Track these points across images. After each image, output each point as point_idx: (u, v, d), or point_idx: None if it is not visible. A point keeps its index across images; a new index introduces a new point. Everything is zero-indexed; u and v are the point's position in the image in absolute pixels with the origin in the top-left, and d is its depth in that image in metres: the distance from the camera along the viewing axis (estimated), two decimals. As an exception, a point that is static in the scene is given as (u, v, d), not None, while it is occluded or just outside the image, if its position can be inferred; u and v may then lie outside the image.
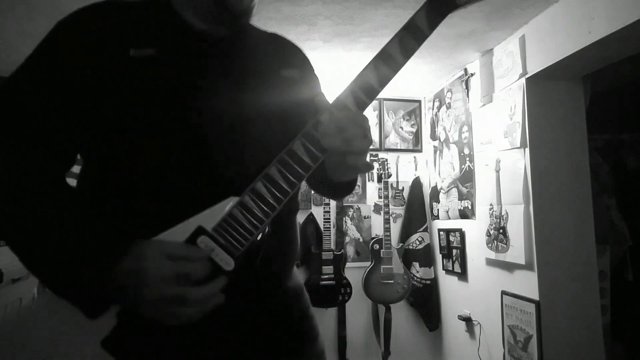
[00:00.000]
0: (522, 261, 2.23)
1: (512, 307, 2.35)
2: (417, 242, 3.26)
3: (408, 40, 0.75)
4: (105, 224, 0.69)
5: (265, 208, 0.70)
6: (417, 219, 3.32)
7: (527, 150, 2.25)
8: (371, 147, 3.68)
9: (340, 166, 0.76)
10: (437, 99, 3.28)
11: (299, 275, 0.97)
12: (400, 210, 3.43)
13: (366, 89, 0.73)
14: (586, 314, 2.20)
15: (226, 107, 0.78)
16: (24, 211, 0.68)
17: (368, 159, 0.82)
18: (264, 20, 2.18)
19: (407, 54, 0.74)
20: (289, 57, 0.93)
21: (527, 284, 2.24)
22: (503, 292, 2.43)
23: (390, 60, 0.73)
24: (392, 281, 3.06)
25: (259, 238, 0.72)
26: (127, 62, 0.73)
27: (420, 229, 3.28)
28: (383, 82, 0.74)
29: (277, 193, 0.70)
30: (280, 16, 2.17)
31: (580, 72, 2.23)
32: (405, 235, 3.34)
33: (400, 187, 3.45)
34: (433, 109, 3.34)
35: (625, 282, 2.95)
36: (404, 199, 3.44)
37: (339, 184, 0.84)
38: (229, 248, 0.69)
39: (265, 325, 0.83)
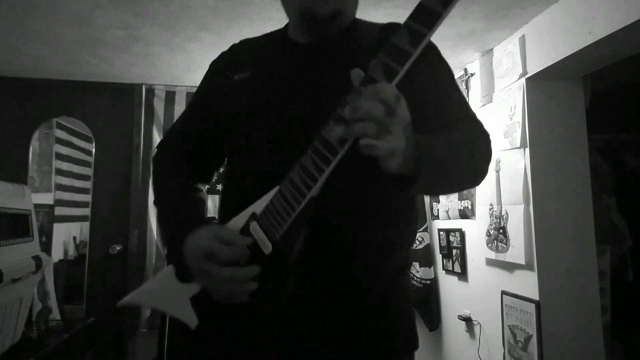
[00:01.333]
0: (522, 261, 2.23)
1: (512, 307, 2.35)
2: (417, 242, 3.26)
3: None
4: (223, 210, 0.91)
5: (296, 194, 0.71)
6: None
7: (527, 150, 2.25)
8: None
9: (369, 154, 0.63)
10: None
11: (399, 285, 0.88)
12: (400, 210, 3.42)
13: (397, 53, 0.63)
14: (586, 314, 2.20)
15: (298, 112, 0.82)
16: (164, 204, 0.97)
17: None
18: (264, 20, 2.18)
19: (447, 3, 0.61)
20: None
21: (527, 284, 2.24)
22: (503, 292, 2.43)
23: (425, 12, 0.62)
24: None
25: (303, 224, 0.72)
26: (232, 83, 0.91)
27: (420, 229, 3.28)
28: (417, 42, 0.63)
29: (307, 179, 0.70)
30: (281, 16, 2.15)
31: (580, 72, 2.23)
32: (405, 235, 3.34)
33: (400, 187, 3.44)
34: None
35: (625, 282, 2.95)
36: (404, 199, 3.44)
37: (393, 177, 0.66)
38: (269, 233, 0.74)
39: (332, 326, 0.79)
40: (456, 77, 2.97)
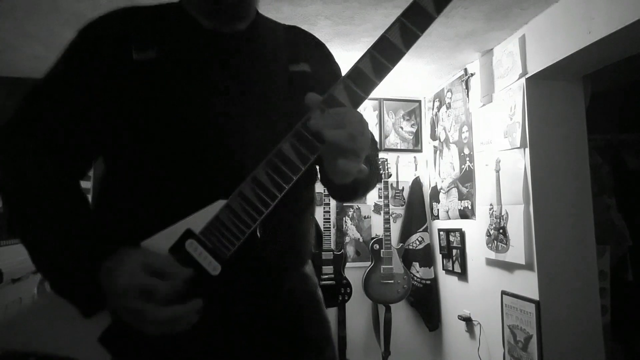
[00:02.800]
0: (522, 261, 2.23)
1: (512, 307, 2.35)
2: (417, 242, 3.26)
3: (411, 25, 0.67)
4: (107, 225, 0.73)
5: (252, 212, 0.67)
6: (417, 219, 3.32)
7: (527, 150, 2.25)
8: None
9: (331, 169, 0.67)
10: (437, 99, 3.28)
11: (312, 278, 0.91)
12: (400, 210, 3.43)
13: (362, 82, 0.67)
14: (586, 314, 2.20)
15: (225, 106, 0.76)
16: (33, 211, 0.72)
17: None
18: (264, 20, 2.18)
19: (410, 40, 0.67)
20: (301, 50, 0.87)
21: (527, 284, 2.24)
22: (503, 292, 2.43)
23: (389, 48, 0.67)
24: (392, 281, 3.06)
25: (257, 238, 0.70)
26: (132, 65, 0.75)
27: (420, 229, 3.28)
28: (382, 74, 0.67)
29: (264, 197, 0.67)
30: (281, 16, 2.16)
31: (580, 72, 2.23)
32: (405, 235, 3.34)
33: (400, 187, 3.45)
34: (433, 109, 3.34)
35: (625, 282, 2.95)
36: (404, 199, 3.44)
37: (340, 187, 0.76)
38: (217, 252, 0.67)
39: (261, 330, 0.78)
40: (456, 77, 2.98)
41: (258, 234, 0.69)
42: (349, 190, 0.80)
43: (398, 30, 0.67)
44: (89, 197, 0.79)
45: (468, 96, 2.84)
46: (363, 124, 0.65)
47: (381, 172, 3.20)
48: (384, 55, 0.67)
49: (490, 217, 2.51)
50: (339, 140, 0.63)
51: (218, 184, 0.70)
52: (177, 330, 0.64)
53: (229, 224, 0.67)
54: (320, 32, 2.34)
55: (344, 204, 3.29)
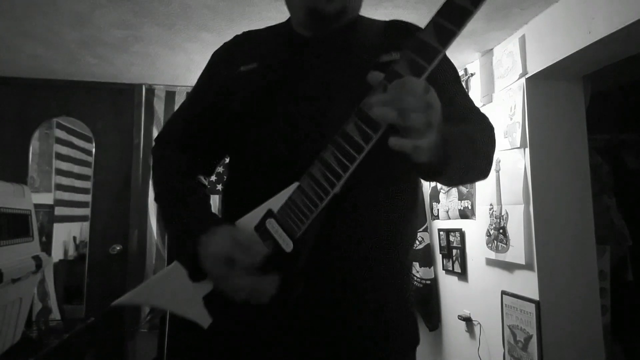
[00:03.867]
0: (522, 261, 2.23)
1: (512, 307, 2.35)
2: (417, 242, 3.26)
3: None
4: (225, 205, 0.92)
5: (319, 191, 0.69)
6: (417, 219, 3.31)
7: (527, 150, 2.25)
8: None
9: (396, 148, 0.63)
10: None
11: (404, 272, 0.90)
12: (400, 210, 3.42)
13: (425, 51, 0.62)
14: (586, 314, 2.20)
15: (309, 103, 0.83)
16: (166, 199, 0.93)
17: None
18: (264, 20, 2.18)
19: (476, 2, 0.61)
20: (396, 39, 0.85)
21: (527, 284, 2.24)
22: (503, 292, 2.43)
23: (455, 10, 0.61)
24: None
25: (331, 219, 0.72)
26: (237, 76, 0.90)
27: (420, 229, 3.28)
28: (446, 40, 0.62)
29: (330, 176, 0.68)
30: (281, 16, 2.15)
31: (580, 72, 2.23)
32: (405, 235, 3.34)
33: (400, 187, 3.44)
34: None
35: (625, 282, 2.95)
36: (404, 199, 3.44)
37: (422, 167, 0.69)
38: (290, 230, 0.72)
39: (336, 318, 0.80)
40: (456, 77, 2.97)
41: (333, 212, 0.71)
42: (431, 171, 0.71)
43: None
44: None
45: (468, 96, 2.84)
46: (422, 97, 0.60)
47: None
48: (448, 18, 0.61)
49: (490, 217, 2.51)
50: (385, 117, 0.61)
51: (301, 170, 0.73)
52: (256, 300, 0.73)
53: (299, 203, 0.71)
54: (320, 32, 2.34)
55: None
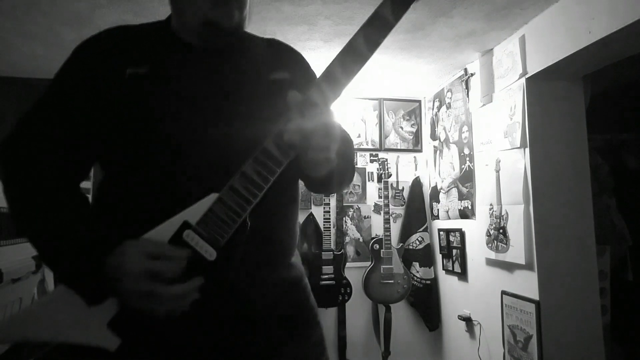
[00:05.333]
0: (522, 261, 2.23)
1: (512, 307, 2.35)
2: (417, 242, 3.26)
3: (372, 33, 0.76)
4: (105, 224, 0.80)
5: (242, 202, 0.75)
6: (417, 219, 3.32)
7: (527, 150, 2.25)
8: (371, 147, 3.61)
9: (305, 161, 0.76)
10: (437, 99, 3.28)
11: (299, 266, 0.99)
12: (400, 210, 3.43)
13: (333, 83, 0.76)
14: (586, 314, 2.20)
15: (212, 116, 0.84)
16: (38, 212, 0.80)
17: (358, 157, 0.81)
18: (264, 20, 2.18)
19: (372, 46, 0.77)
20: (281, 60, 0.97)
21: (527, 284, 2.24)
22: (503, 292, 2.43)
23: (355, 53, 0.76)
24: (392, 281, 3.06)
25: (245, 229, 0.77)
26: (124, 81, 0.83)
27: (420, 229, 3.28)
28: (348, 76, 0.76)
29: (252, 188, 0.75)
30: (281, 16, 2.16)
31: (580, 72, 2.23)
32: (405, 235, 3.34)
33: (400, 187, 3.45)
34: (433, 109, 3.34)
35: (625, 282, 2.95)
36: (404, 199, 3.44)
37: (315, 179, 0.83)
38: (212, 240, 0.75)
39: (254, 314, 0.86)
40: (456, 77, 2.98)
41: (248, 222, 0.77)
42: (322, 182, 0.86)
43: (362, 36, 0.76)
44: (89, 197, 0.87)
45: (468, 96, 2.84)
46: (328, 123, 0.74)
47: (381, 172, 3.20)
48: (349, 58, 0.76)
49: (490, 217, 2.51)
50: (301, 142, 0.73)
51: (209, 181, 0.77)
52: (181, 307, 0.73)
53: (221, 214, 0.75)
54: (320, 32, 2.34)
55: (344, 204, 3.29)
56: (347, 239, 3.30)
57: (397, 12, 0.77)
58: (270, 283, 0.89)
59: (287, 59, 0.99)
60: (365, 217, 3.37)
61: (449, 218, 3.05)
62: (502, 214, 2.41)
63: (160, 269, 0.71)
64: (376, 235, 3.30)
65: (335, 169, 0.80)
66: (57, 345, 0.76)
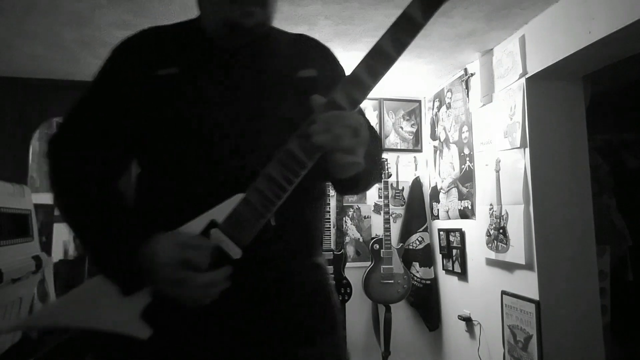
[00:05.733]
0: (522, 261, 2.23)
1: (512, 307, 2.35)
2: (417, 242, 3.26)
3: (401, 34, 0.75)
4: (139, 218, 0.85)
5: (266, 203, 0.76)
6: (417, 219, 3.32)
7: (527, 150, 2.25)
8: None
9: (333, 164, 0.75)
10: (437, 99, 3.28)
11: (323, 268, 0.97)
12: (400, 210, 3.43)
13: (359, 86, 0.75)
14: (586, 314, 2.20)
15: (237, 114, 0.85)
16: (79, 207, 0.87)
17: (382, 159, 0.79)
18: (264, 20, 2.18)
19: (400, 48, 0.75)
20: (309, 56, 0.95)
21: (527, 284, 2.24)
22: (503, 292, 2.43)
23: (382, 55, 0.75)
24: (392, 281, 3.06)
25: (270, 229, 0.78)
26: (155, 80, 0.87)
27: (420, 229, 3.28)
28: (375, 79, 0.75)
29: (276, 189, 0.75)
30: (281, 16, 2.16)
31: (580, 72, 2.23)
32: (405, 235, 3.34)
33: (400, 187, 3.45)
34: (433, 109, 3.34)
35: (625, 282, 2.95)
36: (404, 199, 3.44)
37: (341, 181, 0.82)
38: (237, 239, 0.76)
39: (276, 312, 0.86)
40: (456, 77, 2.98)
41: (272, 222, 0.78)
42: (349, 184, 0.86)
43: (389, 38, 0.75)
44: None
45: (468, 96, 2.84)
46: (353, 126, 0.72)
47: (383, 169, 3.20)
48: (376, 61, 0.75)
49: (490, 217, 2.51)
50: (325, 143, 0.72)
51: (236, 181, 0.78)
52: (210, 296, 0.75)
53: (247, 214, 0.76)
54: (320, 32, 2.34)
55: (344, 204, 3.29)
56: (347, 239, 3.30)
57: (427, 13, 0.75)
58: (295, 282, 0.89)
59: (315, 55, 0.97)
60: (365, 217, 3.37)
61: (449, 218, 3.05)
62: (502, 214, 2.41)
63: (191, 257, 0.74)
64: (376, 235, 3.29)
65: (362, 170, 0.79)
66: (91, 332, 0.80)
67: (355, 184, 0.88)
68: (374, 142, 0.90)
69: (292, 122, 0.78)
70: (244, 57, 0.90)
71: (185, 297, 0.75)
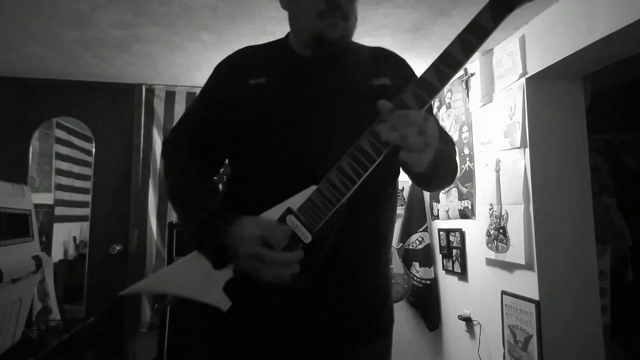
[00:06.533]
0: (522, 261, 2.23)
1: (512, 307, 2.35)
2: (417, 242, 3.26)
3: (471, 39, 0.84)
4: (229, 206, 0.97)
5: (336, 193, 0.85)
6: (417, 219, 3.32)
7: (527, 150, 2.25)
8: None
9: (401, 160, 0.81)
10: (437, 99, 3.28)
11: (388, 277, 1.07)
12: (400, 210, 3.43)
13: (427, 87, 0.83)
14: (586, 314, 2.20)
15: (315, 118, 0.97)
16: (183, 197, 1.03)
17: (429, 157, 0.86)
18: (264, 20, 2.18)
19: (469, 53, 0.83)
20: (383, 66, 1.06)
21: (527, 284, 2.24)
22: (503, 292, 2.43)
23: (451, 59, 0.83)
24: (392, 281, 3.06)
25: (340, 217, 0.88)
26: (248, 89, 1.01)
27: (420, 229, 3.28)
28: (444, 81, 0.83)
29: (346, 181, 0.85)
30: (281, 16, 2.16)
31: (580, 72, 2.23)
32: (405, 235, 3.34)
33: (400, 187, 3.45)
34: (433, 108, 3.34)
35: (625, 282, 2.95)
36: (404, 199, 3.44)
37: (415, 175, 0.92)
38: (309, 225, 0.86)
39: (341, 311, 0.96)
40: (456, 77, 2.97)
41: (343, 210, 0.87)
42: (423, 179, 0.97)
43: (458, 43, 0.83)
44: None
45: (468, 96, 2.84)
46: (421, 124, 0.78)
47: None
48: (447, 65, 0.83)
49: (490, 217, 2.51)
50: (393, 139, 0.79)
51: (311, 174, 0.89)
52: (283, 275, 0.85)
53: (318, 202, 0.86)
54: (320, 32, 2.34)
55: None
56: (347, 239, 3.30)
57: (497, 19, 0.85)
58: (359, 272, 0.98)
59: (390, 65, 1.07)
60: (365, 217, 3.36)
61: (449, 218, 3.05)
62: (502, 214, 2.41)
63: (269, 235, 0.85)
64: (376, 235, 3.29)
65: (433, 168, 0.86)
66: (180, 299, 0.95)
67: (427, 181, 1.00)
68: (445, 142, 0.97)
69: (365, 126, 0.87)
70: (325, 68, 1.02)
71: (262, 272, 0.85)
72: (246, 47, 1.13)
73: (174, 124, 1.25)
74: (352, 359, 0.98)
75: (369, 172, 0.84)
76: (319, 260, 0.89)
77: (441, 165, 0.94)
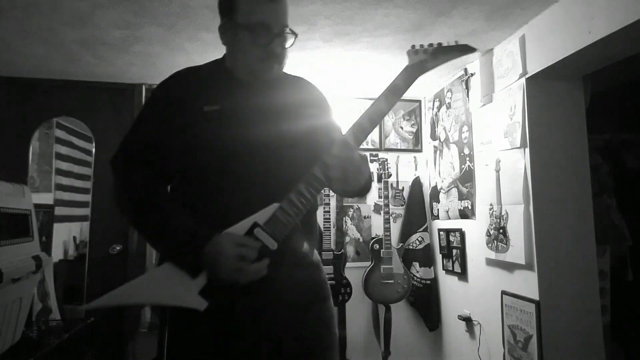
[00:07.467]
0: (522, 261, 2.23)
1: (512, 307, 2.35)
2: (417, 242, 3.26)
3: (391, 96, 1.14)
4: (196, 220, 1.09)
5: (296, 211, 1.08)
6: (417, 219, 3.32)
7: (527, 150, 2.25)
8: (371, 147, 3.62)
9: (336, 186, 1.13)
10: (437, 99, 3.28)
11: (317, 254, 1.34)
12: (400, 210, 3.43)
13: (361, 129, 1.12)
14: (586, 314, 2.20)
15: (266, 136, 1.14)
16: (144, 212, 1.13)
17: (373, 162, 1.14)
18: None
19: (390, 105, 1.14)
20: (310, 97, 1.29)
21: (527, 284, 2.24)
22: (503, 292, 2.43)
23: (379, 109, 1.13)
24: (392, 281, 3.06)
25: (297, 229, 1.10)
26: (202, 114, 1.13)
27: (420, 229, 3.28)
28: (374, 124, 1.14)
29: (303, 201, 1.09)
30: (280, 16, 2.16)
31: (580, 72, 2.23)
32: (405, 235, 3.34)
33: (400, 187, 3.45)
34: (433, 108, 3.34)
35: (625, 282, 2.95)
36: (404, 199, 3.44)
37: (341, 192, 1.28)
38: (274, 235, 1.07)
39: (296, 286, 1.17)
40: (456, 77, 2.98)
41: (299, 224, 1.11)
42: (343, 194, 1.38)
43: (383, 98, 1.13)
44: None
45: (468, 96, 2.84)
46: (360, 167, 1.10)
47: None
48: (374, 115, 1.13)
49: (490, 217, 2.51)
50: (338, 174, 1.08)
51: (268, 194, 1.09)
52: (255, 278, 1.05)
53: (282, 218, 1.08)
54: (320, 32, 2.34)
55: (344, 204, 3.29)
56: (347, 239, 3.30)
57: (408, 82, 1.16)
58: (305, 264, 1.23)
59: (314, 96, 1.30)
60: (365, 217, 3.37)
61: (449, 218, 3.05)
62: (502, 214, 2.41)
63: (246, 253, 1.04)
64: (376, 235, 3.29)
65: (355, 190, 1.16)
66: (157, 305, 1.11)
67: (350, 195, 1.30)
68: (367, 171, 1.21)
69: (303, 145, 1.16)
70: (263, 91, 1.19)
71: (239, 281, 1.04)
72: (188, 69, 1.23)
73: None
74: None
75: (319, 193, 1.11)
76: (282, 262, 1.10)
77: (361, 187, 1.18)
